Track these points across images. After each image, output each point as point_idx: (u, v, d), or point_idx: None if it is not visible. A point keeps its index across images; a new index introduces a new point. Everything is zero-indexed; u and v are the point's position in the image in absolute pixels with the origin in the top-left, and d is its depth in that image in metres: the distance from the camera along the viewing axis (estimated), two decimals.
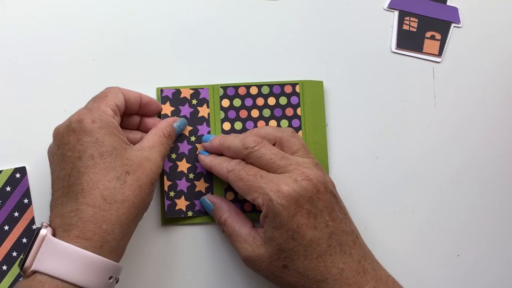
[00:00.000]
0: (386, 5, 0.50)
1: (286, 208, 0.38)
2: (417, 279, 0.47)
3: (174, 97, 0.46)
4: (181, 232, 0.47)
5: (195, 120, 0.46)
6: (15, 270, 0.46)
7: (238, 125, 0.47)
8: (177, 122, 0.45)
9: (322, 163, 0.47)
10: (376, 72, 0.49)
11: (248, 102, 0.47)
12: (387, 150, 0.49)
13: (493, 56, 0.50)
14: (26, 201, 0.46)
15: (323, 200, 0.39)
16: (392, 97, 0.49)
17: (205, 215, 0.46)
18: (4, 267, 0.45)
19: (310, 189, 0.39)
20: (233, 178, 0.41)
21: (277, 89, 0.47)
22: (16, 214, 0.46)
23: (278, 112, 0.47)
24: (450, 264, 0.48)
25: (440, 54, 0.50)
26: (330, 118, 0.48)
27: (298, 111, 0.47)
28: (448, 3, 0.50)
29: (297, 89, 0.47)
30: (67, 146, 0.39)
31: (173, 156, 0.46)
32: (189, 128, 0.46)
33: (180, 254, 0.47)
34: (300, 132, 0.46)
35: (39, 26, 0.48)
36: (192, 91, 0.47)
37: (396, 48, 0.50)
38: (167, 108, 0.46)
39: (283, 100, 0.47)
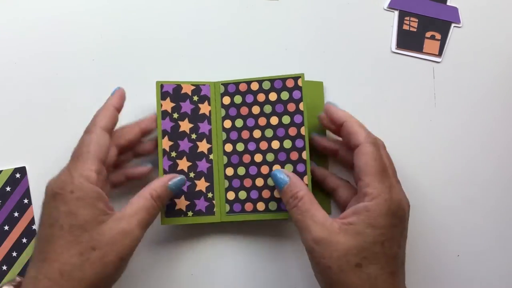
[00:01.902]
0: (386, 5, 0.50)
1: (394, 216, 0.38)
2: (417, 279, 0.47)
3: (174, 92, 0.45)
4: (181, 232, 0.47)
5: (196, 117, 0.46)
6: (15, 270, 0.46)
7: (239, 123, 0.46)
8: (173, 180, 0.42)
9: (322, 164, 0.48)
10: (376, 72, 0.49)
11: (249, 98, 0.46)
12: (387, 150, 0.48)
13: (493, 56, 0.50)
14: (26, 201, 0.46)
15: (406, 229, 0.40)
16: (392, 97, 0.49)
17: (206, 215, 0.45)
18: (4, 267, 0.45)
19: (407, 213, 0.40)
20: (370, 150, 0.40)
21: (278, 83, 0.45)
22: (16, 214, 0.46)
23: (279, 107, 0.45)
24: (450, 264, 0.48)
25: (440, 54, 0.50)
26: None
27: (301, 106, 0.45)
28: (448, 3, 0.50)
29: (299, 82, 0.45)
30: (46, 210, 0.38)
31: (173, 154, 0.45)
32: (190, 125, 0.46)
33: (180, 254, 0.47)
34: (303, 128, 0.45)
35: (39, 26, 0.48)
36: (193, 87, 0.46)
37: (396, 48, 0.50)
38: (167, 104, 0.45)
39: (284, 95, 0.45)
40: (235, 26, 0.49)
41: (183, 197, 0.45)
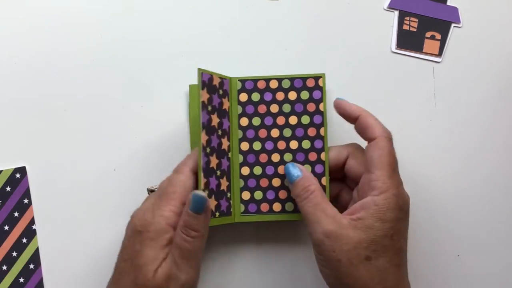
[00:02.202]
0: (386, 5, 0.50)
1: (401, 210, 0.39)
2: (417, 279, 0.47)
3: (209, 83, 0.42)
4: None
5: (220, 112, 0.44)
6: (15, 270, 0.46)
7: (256, 121, 0.45)
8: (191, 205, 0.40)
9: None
10: (376, 72, 0.49)
11: (268, 96, 0.45)
12: None
13: (493, 56, 0.50)
14: (26, 201, 0.46)
15: (408, 221, 0.41)
16: (392, 97, 0.49)
17: (226, 216, 0.43)
18: (4, 267, 0.45)
19: (408, 208, 0.41)
20: (385, 144, 0.41)
21: (298, 82, 0.45)
22: (16, 214, 0.46)
23: (299, 107, 0.45)
24: (450, 264, 0.48)
25: (440, 54, 0.50)
26: (330, 117, 0.48)
27: (321, 106, 0.45)
28: (448, 3, 0.50)
29: (320, 82, 0.45)
30: (128, 243, 0.40)
31: (208, 150, 0.42)
32: (217, 120, 0.43)
33: None
34: (322, 129, 0.45)
35: (39, 26, 0.48)
36: (219, 80, 0.43)
37: (396, 48, 0.50)
38: (204, 95, 0.41)
39: (304, 95, 0.45)
40: (235, 26, 0.49)
41: (213, 196, 0.42)
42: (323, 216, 0.39)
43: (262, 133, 0.45)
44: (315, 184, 0.41)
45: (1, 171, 0.46)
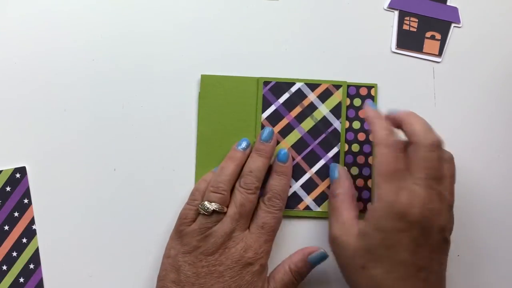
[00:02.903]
0: (386, 5, 0.50)
1: (398, 220, 0.37)
2: None
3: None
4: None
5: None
6: (15, 270, 0.46)
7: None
8: (313, 255, 0.44)
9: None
10: (376, 72, 0.49)
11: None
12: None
13: (493, 56, 0.50)
14: (26, 201, 0.46)
15: (432, 237, 0.38)
16: (392, 97, 0.49)
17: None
18: (4, 267, 0.45)
19: (426, 220, 0.38)
20: (381, 153, 0.39)
21: (352, 90, 0.48)
22: (16, 214, 0.46)
23: (351, 113, 0.47)
24: (450, 264, 0.48)
25: (440, 54, 0.50)
26: None
27: None
28: (448, 3, 0.50)
29: (372, 92, 0.48)
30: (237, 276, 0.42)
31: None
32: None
33: None
34: (371, 136, 0.46)
35: (39, 26, 0.48)
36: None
37: (396, 48, 0.50)
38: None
39: (357, 102, 0.48)
40: (234, 26, 0.49)
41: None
42: (334, 222, 0.41)
43: None
44: (343, 189, 0.43)
45: (1, 171, 0.46)
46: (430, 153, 0.39)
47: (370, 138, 0.45)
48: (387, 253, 0.37)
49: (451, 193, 0.40)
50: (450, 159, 0.42)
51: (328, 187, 0.47)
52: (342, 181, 0.44)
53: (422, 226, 0.38)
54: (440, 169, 0.39)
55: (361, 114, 0.48)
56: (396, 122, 0.42)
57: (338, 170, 0.45)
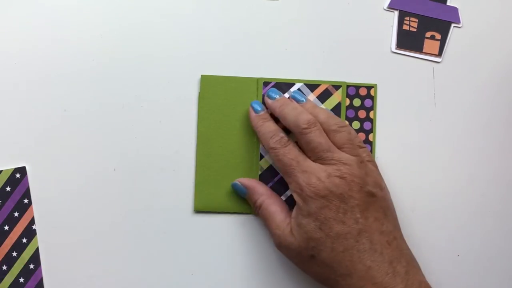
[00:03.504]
0: (386, 5, 0.50)
1: (314, 200, 0.39)
2: None
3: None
4: (182, 233, 0.47)
5: None
6: (15, 270, 0.46)
7: None
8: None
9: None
10: (376, 72, 0.49)
11: None
12: (387, 150, 0.49)
13: (493, 56, 0.50)
14: (26, 201, 0.46)
15: (356, 198, 0.40)
16: (392, 97, 0.49)
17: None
18: (4, 267, 0.45)
19: (341, 186, 0.39)
20: (272, 156, 0.43)
21: (352, 90, 0.48)
22: (16, 214, 0.46)
23: (350, 113, 0.48)
24: (450, 264, 0.48)
25: (440, 54, 0.50)
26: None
27: (371, 114, 0.48)
28: (448, 3, 0.50)
29: (372, 92, 0.48)
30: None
31: None
32: None
33: (179, 253, 0.47)
34: (371, 135, 0.47)
35: (39, 26, 0.48)
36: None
37: (396, 48, 0.50)
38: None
39: (357, 102, 0.48)
40: (234, 26, 0.49)
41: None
42: (271, 231, 0.43)
43: None
44: (261, 196, 0.44)
45: (1, 171, 0.46)
46: (308, 135, 0.41)
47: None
48: (322, 233, 0.39)
49: (357, 153, 0.42)
50: (336, 125, 0.43)
51: None
52: (254, 191, 0.45)
53: (338, 194, 0.39)
54: (326, 143, 0.41)
55: (360, 114, 0.48)
56: (275, 113, 0.45)
57: (242, 184, 0.45)
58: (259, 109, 0.46)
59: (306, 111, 0.43)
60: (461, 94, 0.50)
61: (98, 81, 0.48)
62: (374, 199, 0.41)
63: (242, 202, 0.46)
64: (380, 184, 0.42)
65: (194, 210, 0.46)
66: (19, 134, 0.47)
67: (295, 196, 0.41)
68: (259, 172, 0.46)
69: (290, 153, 0.42)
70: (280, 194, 0.46)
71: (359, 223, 0.39)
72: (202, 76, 0.47)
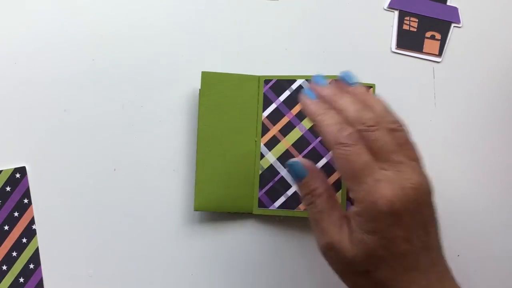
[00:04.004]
0: (386, 5, 0.50)
1: (386, 217, 0.33)
2: None
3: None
4: (182, 233, 0.47)
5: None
6: (15, 270, 0.46)
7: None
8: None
9: None
10: (376, 72, 0.49)
11: None
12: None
13: (493, 56, 0.50)
14: (26, 201, 0.46)
15: (422, 213, 0.35)
16: (392, 97, 0.49)
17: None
18: (4, 267, 0.45)
19: (413, 200, 0.34)
20: (338, 153, 0.34)
21: None
22: (16, 214, 0.46)
23: None
24: (450, 264, 0.48)
25: (440, 54, 0.50)
26: None
27: None
28: (448, 3, 0.50)
29: (370, 92, 0.47)
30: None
31: None
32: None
33: (179, 254, 0.47)
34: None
35: (39, 26, 0.48)
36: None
37: (396, 48, 0.50)
38: None
39: None
40: (235, 26, 0.49)
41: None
42: (327, 226, 0.36)
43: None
44: (323, 185, 0.37)
45: (1, 171, 0.46)
46: (374, 133, 0.35)
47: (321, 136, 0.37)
48: (387, 252, 0.35)
49: (416, 157, 0.36)
50: (395, 123, 0.37)
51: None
52: (316, 177, 0.37)
53: (410, 209, 0.34)
54: (392, 143, 0.35)
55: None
56: (327, 102, 0.37)
57: (306, 166, 0.37)
58: (313, 96, 0.38)
59: (363, 102, 0.37)
60: (461, 94, 0.50)
61: (98, 81, 0.48)
62: (433, 211, 0.36)
63: (242, 202, 0.46)
64: (433, 192, 0.36)
65: (194, 210, 0.46)
66: (19, 134, 0.47)
67: (361, 209, 0.34)
68: (260, 172, 0.46)
69: (363, 154, 0.34)
70: (280, 194, 0.46)
71: (422, 241, 0.35)
72: (202, 72, 0.47)
